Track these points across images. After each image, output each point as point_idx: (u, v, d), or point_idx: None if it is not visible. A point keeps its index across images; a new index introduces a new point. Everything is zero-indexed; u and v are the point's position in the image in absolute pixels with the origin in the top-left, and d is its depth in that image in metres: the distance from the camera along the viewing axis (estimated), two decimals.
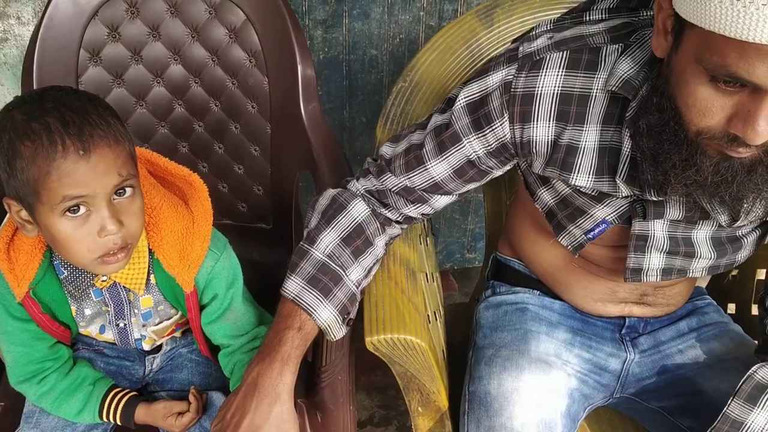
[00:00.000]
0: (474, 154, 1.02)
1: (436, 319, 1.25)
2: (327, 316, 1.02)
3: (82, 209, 0.87)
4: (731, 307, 1.42)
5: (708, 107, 0.79)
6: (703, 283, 1.41)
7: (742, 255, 1.10)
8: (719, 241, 1.06)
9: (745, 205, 0.96)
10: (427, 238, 1.34)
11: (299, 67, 1.33)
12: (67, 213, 0.86)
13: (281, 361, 0.97)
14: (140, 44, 1.36)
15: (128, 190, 0.90)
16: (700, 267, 1.09)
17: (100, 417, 1.08)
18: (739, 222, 0.99)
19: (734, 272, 1.43)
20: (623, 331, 1.22)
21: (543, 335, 1.18)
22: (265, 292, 1.18)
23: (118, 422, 1.09)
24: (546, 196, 1.10)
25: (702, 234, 1.05)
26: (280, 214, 1.48)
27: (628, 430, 1.27)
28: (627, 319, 1.21)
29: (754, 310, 1.36)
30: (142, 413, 1.08)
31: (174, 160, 1.42)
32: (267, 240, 1.52)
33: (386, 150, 1.10)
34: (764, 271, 1.31)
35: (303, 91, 1.34)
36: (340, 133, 1.79)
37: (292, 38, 1.32)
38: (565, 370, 1.15)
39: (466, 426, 1.10)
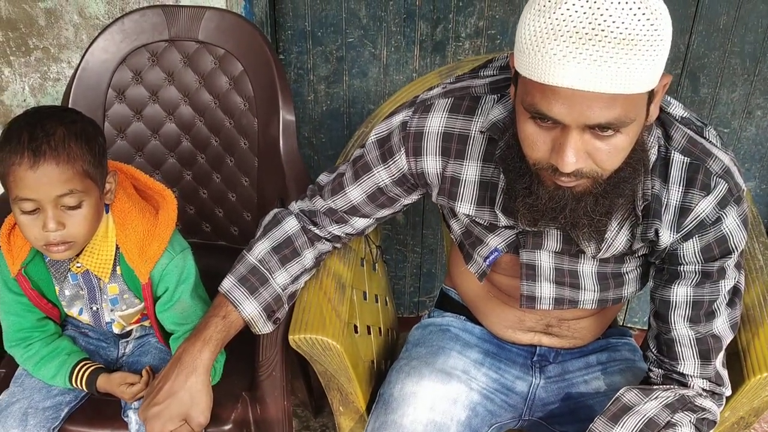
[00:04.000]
0: (382, 182, 1.20)
1: (369, 333, 1.42)
2: (251, 310, 1.21)
3: (33, 207, 1.11)
4: None
5: (534, 141, 0.94)
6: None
7: (628, 291, 1.21)
8: (604, 276, 1.19)
9: (607, 238, 1.09)
10: (376, 264, 1.52)
11: (281, 112, 1.56)
12: (24, 207, 1.11)
13: (203, 341, 1.17)
14: (158, 87, 1.63)
15: (72, 201, 1.12)
16: (589, 299, 1.21)
17: (70, 382, 1.30)
18: (601, 253, 1.11)
19: None
20: (534, 359, 1.33)
21: (455, 353, 1.32)
22: None
23: (84, 388, 1.30)
24: (456, 227, 1.26)
25: (588, 268, 1.18)
26: None
27: None
28: (538, 348, 1.33)
29: None
30: (103, 381, 1.29)
31: (179, 186, 1.69)
32: None
33: (322, 178, 1.30)
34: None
35: (283, 132, 1.57)
36: None
37: (277, 88, 1.56)
38: (470, 384, 1.28)
39: (369, 422, 1.25)
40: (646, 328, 1.63)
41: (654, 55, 0.86)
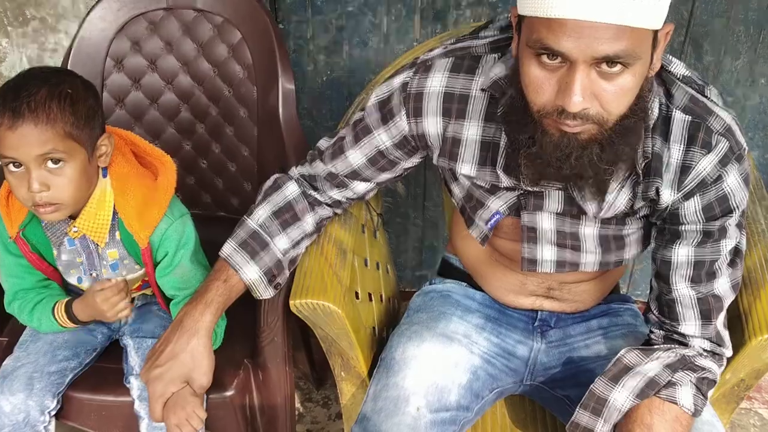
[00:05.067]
0: (383, 144, 1.19)
1: (371, 300, 1.41)
2: (252, 274, 1.21)
3: (21, 167, 1.12)
4: None
5: (540, 84, 0.93)
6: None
7: (630, 253, 1.21)
8: (606, 238, 1.18)
9: (608, 197, 1.09)
10: (377, 231, 1.51)
11: (280, 81, 1.55)
12: (10, 167, 1.12)
13: (204, 304, 1.17)
14: (156, 56, 1.62)
15: (55, 163, 1.12)
16: (590, 261, 1.20)
17: (54, 319, 1.29)
18: (603, 213, 1.11)
19: None
20: (535, 324, 1.33)
21: (456, 317, 1.32)
22: None
23: (66, 320, 1.29)
24: (457, 191, 1.25)
25: (589, 230, 1.17)
26: None
27: (538, 416, 1.38)
28: (539, 312, 1.33)
29: None
30: (76, 306, 1.28)
31: (178, 156, 1.69)
32: None
33: (322, 143, 1.29)
34: None
35: (282, 101, 1.56)
36: None
37: (276, 57, 1.55)
38: (471, 348, 1.28)
39: (370, 385, 1.25)
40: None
41: None
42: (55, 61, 1.78)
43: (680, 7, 1.74)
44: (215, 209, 1.75)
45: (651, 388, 1.10)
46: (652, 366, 1.11)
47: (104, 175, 1.24)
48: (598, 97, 0.91)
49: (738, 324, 1.22)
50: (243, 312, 1.32)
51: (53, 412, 1.30)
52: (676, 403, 1.10)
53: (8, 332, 1.43)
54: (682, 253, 1.11)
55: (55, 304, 1.30)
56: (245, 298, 1.27)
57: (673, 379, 1.10)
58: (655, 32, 0.92)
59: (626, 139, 0.97)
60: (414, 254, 2.20)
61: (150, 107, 1.66)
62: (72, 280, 1.33)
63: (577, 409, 1.15)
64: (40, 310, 1.30)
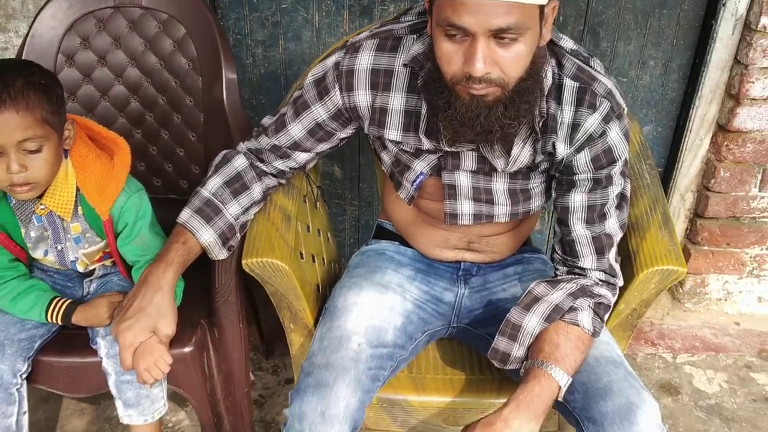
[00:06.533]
0: (320, 117, 1.36)
1: (314, 261, 1.58)
2: (207, 237, 1.36)
3: None
4: None
5: (450, 56, 1.12)
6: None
7: (535, 204, 1.41)
8: (514, 192, 1.38)
9: (514, 152, 1.28)
10: (317, 203, 1.68)
11: (223, 71, 1.70)
12: None
13: (166, 263, 1.31)
14: (105, 51, 1.75)
15: (33, 146, 1.25)
16: (502, 213, 1.40)
17: (46, 317, 1.42)
18: (509, 167, 1.30)
19: None
20: (459, 273, 1.52)
21: (390, 270, 1.49)
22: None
23: (59, 321, 1.42)
24: (386, 158, 1.43)
25: (500, 185, 1.37)
26: None
27: (465, 355, 1.56)
28: (462, 263, 1.52)
29: None
30: (80, 311, 1.41)
31: (129, 144, 1.80)
32: None
33: (266, 120, 1.45)
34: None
35: (226, 89, 1.71)
36: None
37: (219, 49, 1.70)
38: (404, 296, 1.46)
39: (316, 330, 1.41)
40: None
41: None
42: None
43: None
44: (166, 192, 1.88)
45: (557, 313, 1.29)
46: (557, 295, 1.31)
47: (65, 157, 1.37)
48: (498, 63, 1.10)
49: (628, 262, 1.43)
50: (198, 276, 1.46)
51: (24, 375, 1.41)
52: (578, 325, 1.30)
53: None
54: (577, 200, 1.31)
55: (51, 302, 1.41)
56: (199, 262, 1.41)
57: (574, 305, 1.30)
58: (542, 7, 1.12)
59: (525, 98, 1.16)
60: (351, 233, 2.37)
61: (101, 99, 1.78)
62: (38, 254, 1.45)
63: (496, 337, 1.33)
64: (27, 301, 1.41)
